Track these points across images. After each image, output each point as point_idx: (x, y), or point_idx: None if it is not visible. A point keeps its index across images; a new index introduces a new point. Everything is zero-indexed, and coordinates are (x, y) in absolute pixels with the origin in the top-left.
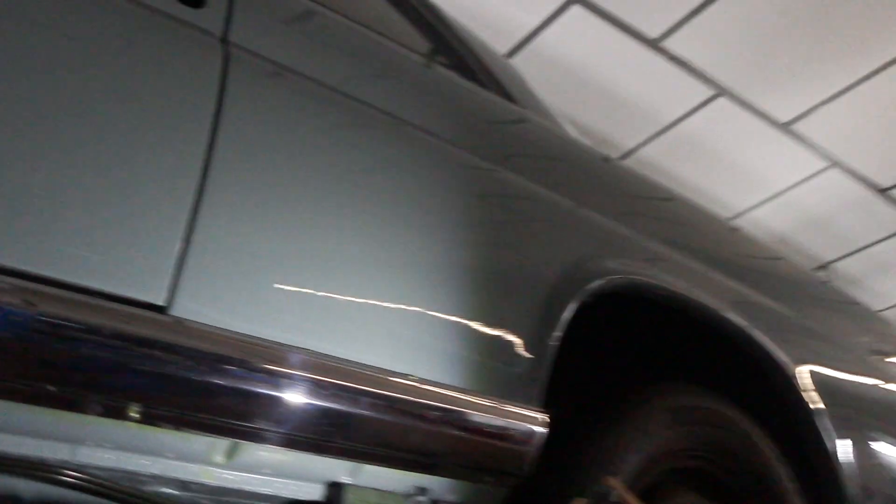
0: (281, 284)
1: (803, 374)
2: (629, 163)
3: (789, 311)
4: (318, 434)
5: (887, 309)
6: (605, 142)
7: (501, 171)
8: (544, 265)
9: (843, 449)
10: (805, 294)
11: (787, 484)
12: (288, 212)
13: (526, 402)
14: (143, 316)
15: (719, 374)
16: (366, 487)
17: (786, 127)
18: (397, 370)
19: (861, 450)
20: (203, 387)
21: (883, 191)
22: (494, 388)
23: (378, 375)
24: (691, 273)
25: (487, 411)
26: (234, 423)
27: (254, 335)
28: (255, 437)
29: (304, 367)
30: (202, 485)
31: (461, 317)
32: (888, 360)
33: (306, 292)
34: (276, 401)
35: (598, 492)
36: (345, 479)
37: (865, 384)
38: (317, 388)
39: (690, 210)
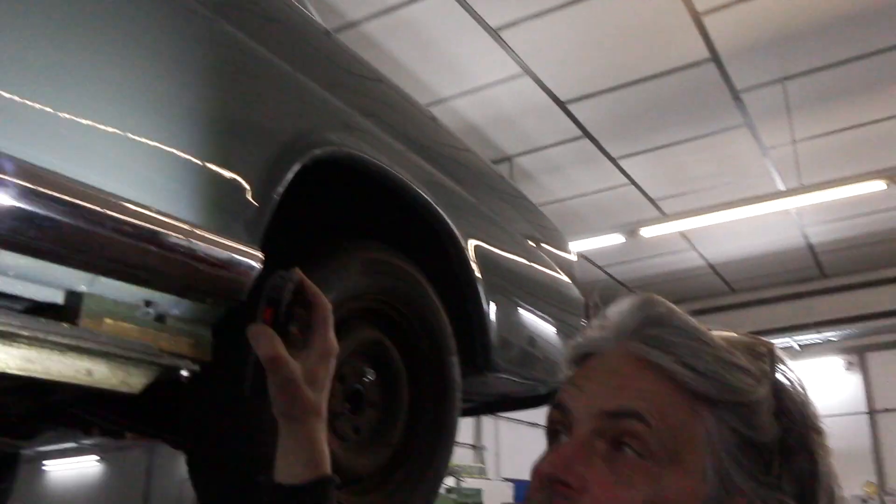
0: (40, 105)
1: (471, 247)
2: (349, 35)
3: (469, 196)
4: (54, 243)
5: (549, 203)
6: (330, 8)
7: (223, 22)
8: (277, 128)
9: (492, 309)
10: (483, 183)
11: (447, 329)
12: (47, 39)
13: (248, 240)
14: None
15: (407, 238)
16: (101, 296)
17: (495, 32)
18: (132, 198)
19: (504, 311)
20: None
21: (562, 103)
22: (222, 226)
23: (108, 198)
24: (394, 152)
25: (211, 243)
26: None
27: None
28: None
29: (41, 182)
30: None
31: (200, 159)
32: (536, 244)
33: (64, 118)
34: (12, 208)
35: (284, 276)
36: (83, 288)
37: (515, 261)
38: (53, 202)
39: (398, 95)
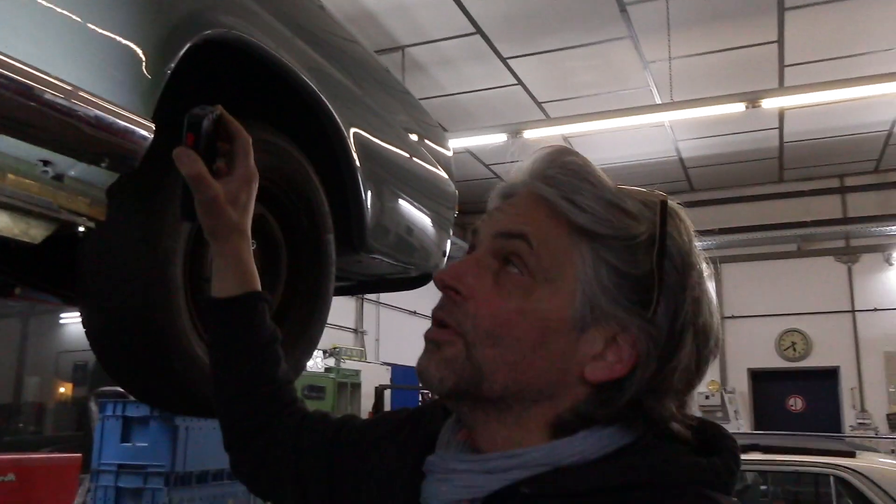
0: None
1: (352, 134)
2: None
3: (353, 86)
4: None
5: (438, 97)
6: None
7: None
8: (170, 6)
9: (369, 194)
10: (368, 75)
11: (325, 209)
12: None
13: (141, 111)
14: None
15: (291, 121)
16: (4, 152)
17: None
18: (30, 62)
19: (380, 197)
20: None
21: None
22: (116, 95)
23: (5, 59)
24: (282, 38)
25: (104, 110)
26: None
27: None
28: None
29: None
30: None
31: (99, 29)
32: (416, 138)
33: None
34: None
35: (206, 107)
36: None
37: (393, 151)
38: None
39: None
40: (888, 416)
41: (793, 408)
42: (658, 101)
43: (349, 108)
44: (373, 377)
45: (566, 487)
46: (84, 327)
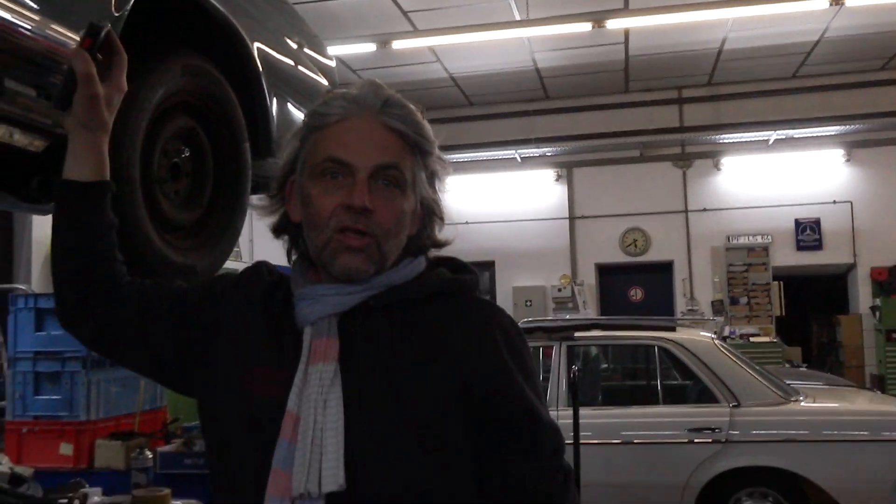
0: None
1: (257, 51)
2: None
3: (248, 4)
4: None
5: (305, 3)
6: None
7: None
8: None
9: (273, 104)
10: None
11: (241, 120)
12: None
13: None
14: None
15: (211, 45)
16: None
17: None
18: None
19: (282, 107)
20: None
21: None
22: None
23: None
24: None
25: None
26: None
27: None
28: None
29: None
30: None
31: None
32: (303, 49)
33: None
34: None
35: (101, 21)
36: None
37: (288, 63)
38: None
39: None
40: (712, 303)
41: (634, 298)
42: (516, 14)
43: (251, 26)
44: None
45: (395, 299)
46: None
